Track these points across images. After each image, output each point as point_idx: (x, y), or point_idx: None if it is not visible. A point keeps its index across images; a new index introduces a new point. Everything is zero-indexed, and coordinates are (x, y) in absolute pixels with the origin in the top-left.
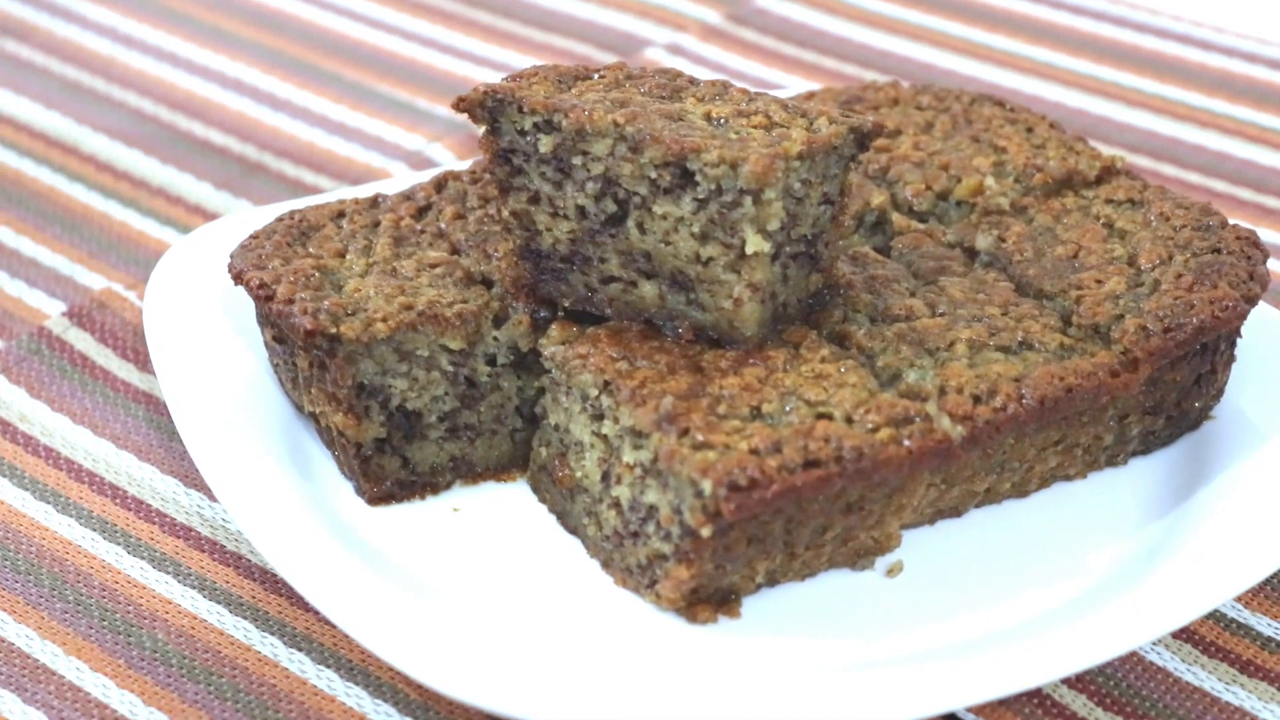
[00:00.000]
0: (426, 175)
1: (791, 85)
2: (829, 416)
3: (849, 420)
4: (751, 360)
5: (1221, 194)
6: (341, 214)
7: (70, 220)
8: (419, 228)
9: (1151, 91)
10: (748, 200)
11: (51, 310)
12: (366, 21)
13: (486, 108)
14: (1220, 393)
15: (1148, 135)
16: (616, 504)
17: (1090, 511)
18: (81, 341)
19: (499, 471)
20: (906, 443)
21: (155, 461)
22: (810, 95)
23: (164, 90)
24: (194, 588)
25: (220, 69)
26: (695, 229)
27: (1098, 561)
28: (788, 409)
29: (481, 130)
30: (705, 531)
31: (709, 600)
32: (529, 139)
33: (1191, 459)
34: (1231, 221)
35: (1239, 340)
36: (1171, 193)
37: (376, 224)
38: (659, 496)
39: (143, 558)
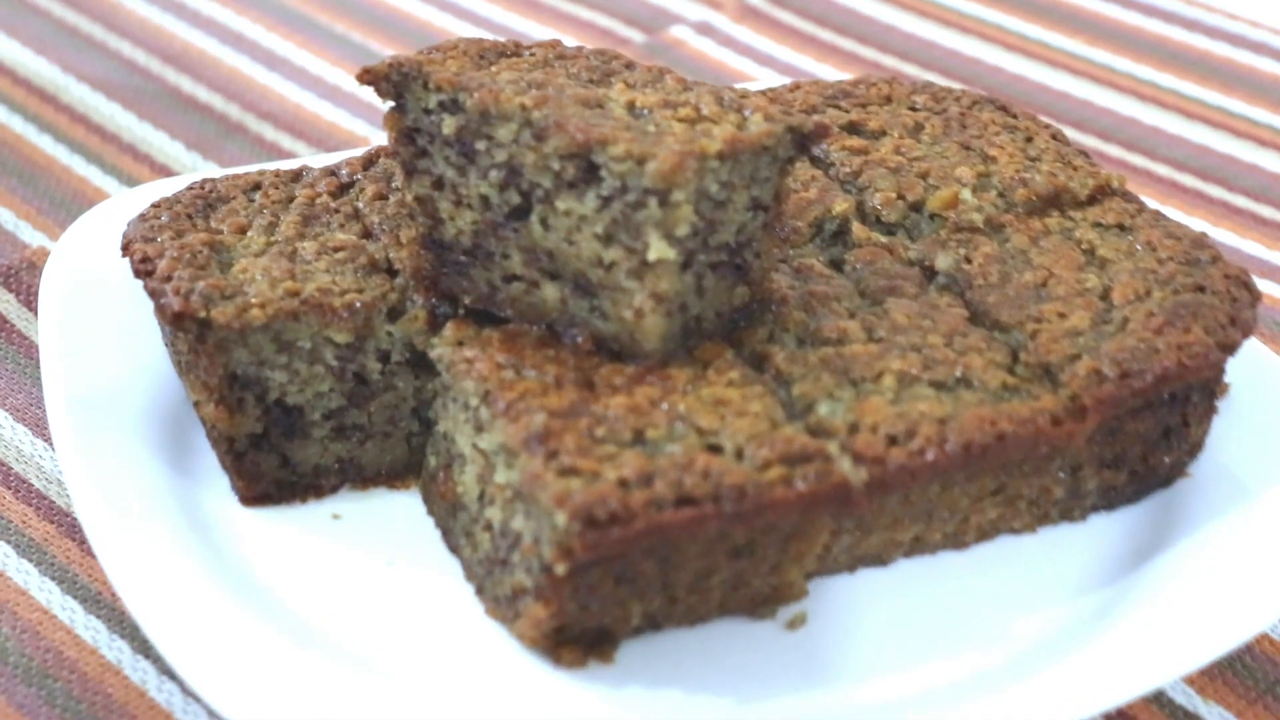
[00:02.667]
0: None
1: (822, 74)
2: (718, 448)
3: (739, 454)
4: (649, 378)
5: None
6: (257, 186)
7: (30, 172)
8: (334, 206)
9: (1214, 103)
10: (653, 201)
11: None
12: None
13: (392, 81)
14: (1197, 447)
15: (1228, 161)
16: (489, 526)
17: (1033, 570)
18: (3, 303)
19: (392, 478)
20: (799, 484)
21: (50, 439)
22: (796, 86)
23: (162, 41)
24: (54, 579)
25: (225, 21)
26: (598, 229)
27: (1028, 627)
28: (675, 436)
29: (387, 106)
30: (560, 568)
31: (577, 641)
32: (433, 118)
33: (1158, 518)
34: (1227, 257)
35: (1231, 387)
36: (1167, 220)
37: (292, 199)
38: (524, 524)
39: (9, 542)
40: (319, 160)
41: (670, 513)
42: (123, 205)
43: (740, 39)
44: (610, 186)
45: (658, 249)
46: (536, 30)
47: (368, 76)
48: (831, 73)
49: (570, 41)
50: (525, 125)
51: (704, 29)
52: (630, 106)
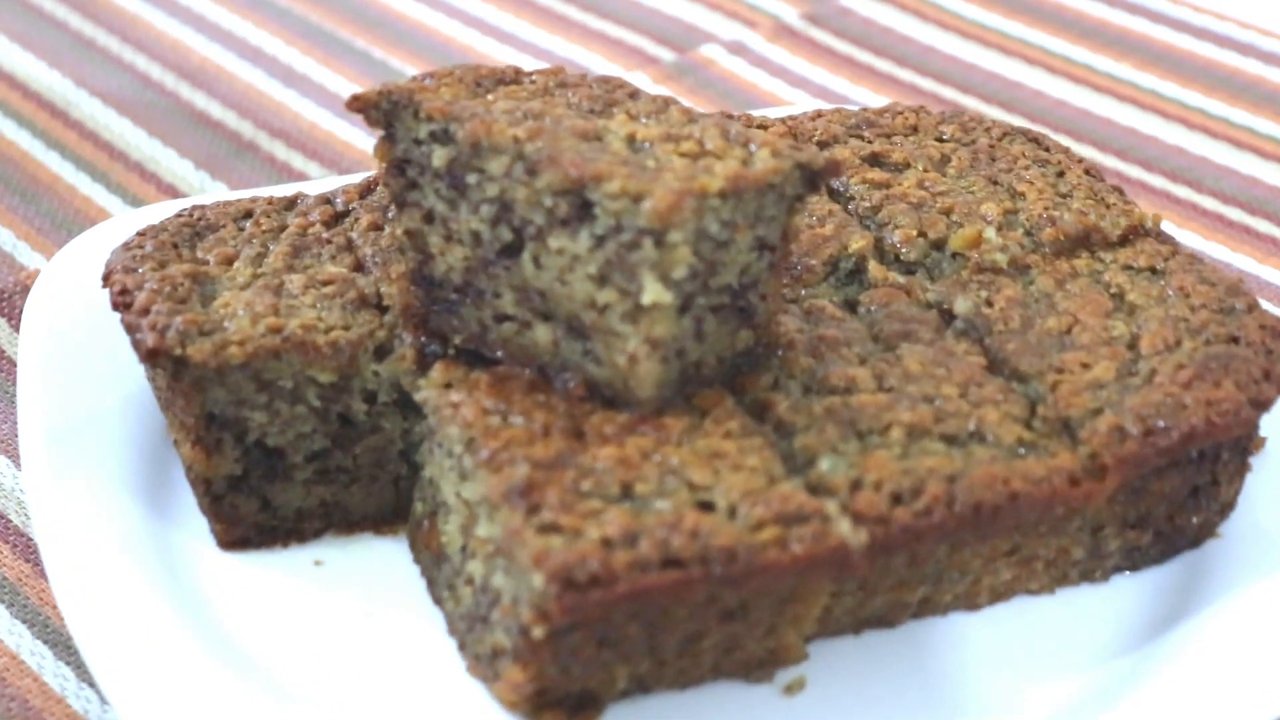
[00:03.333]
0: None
1: (857, 97)
2: (710, 505)
3: (732, 512)
4: (642, 427)
5: None
6: (249, 214)
7: (33, 190)
8: (327, 236)
9: (1265, 132)
10: (648, 241)
11: None
12: None
13: (382, 109)
14: (1228, 507)
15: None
16: (471, 580)
17: (1051, 634)
18: None
19: (378, 523)
20: (793, 546)
21: None
22: (818, 114)
23: (178, 55)
24: (25, 622)
25: (244, 35)
26: (591, 269)
27: (1044, 697)
28: (665, 491)
29: (378, 135)
30: (537, 632)
31: (560, 705)
32: (424, 149)
33: (1186, 580)
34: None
35: (1266, 442)
36: (1202, 264)
37: (284, 228)
38: (504, 581)
39: None
40: (323, 185)
41: (655, 575)
42: (118, 228)
43: (773, 59)
44: (604, 225)
45: (653, 292)
46: (563, 48)
47: (357, 104)
48: (867, 95)
49: (595, 60)
50: (518, 158)
51: (736, 48)
52: (630, 140)
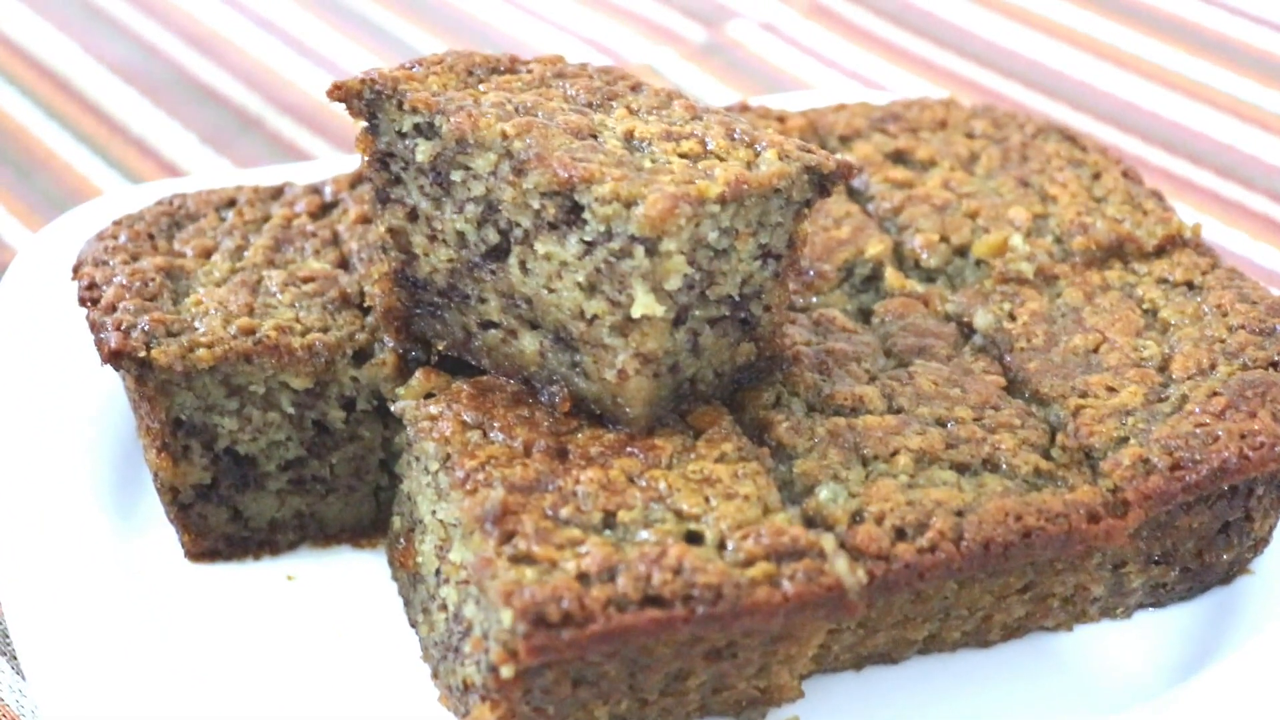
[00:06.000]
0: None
1: (890, 79)
2: (697, 537)
3: (720, 545)
4: (631, 447)
5: None
6: (232, 203)
7: (29, 164)
8: (312, 229)
9: None
10: (639, 250)
11: None
12: None
13: (364, 100)
14: (1262, 543)
15: None
16: (445, 606)
17: (1066, 676)
18: None
19: (357, 535)
20: (785, 585)
21: None
22: (841, 107)
23: (188, 24)
24: None
25: (255, 4)
26: (580, 277)
27: None
28: (650, 520)
29: (360, 126)
30: (506, 671)
31: None
32: (408, 143)
33: (1216, 618)
34: None
35: None
36: (1243, 280)
37: (267, 219)
38: (474, 613)
39: None
40: (320, 169)
41: (633, 614)
42: (102, 210)
43: (806, 38)
44: (594, 230)
45: (644, 304)
46: (585, 21)
47: (338, 93)
48: (903, 77)
49: (622, 35)
50: (505, 156)
51: (768, 25)
52: (628, 137)
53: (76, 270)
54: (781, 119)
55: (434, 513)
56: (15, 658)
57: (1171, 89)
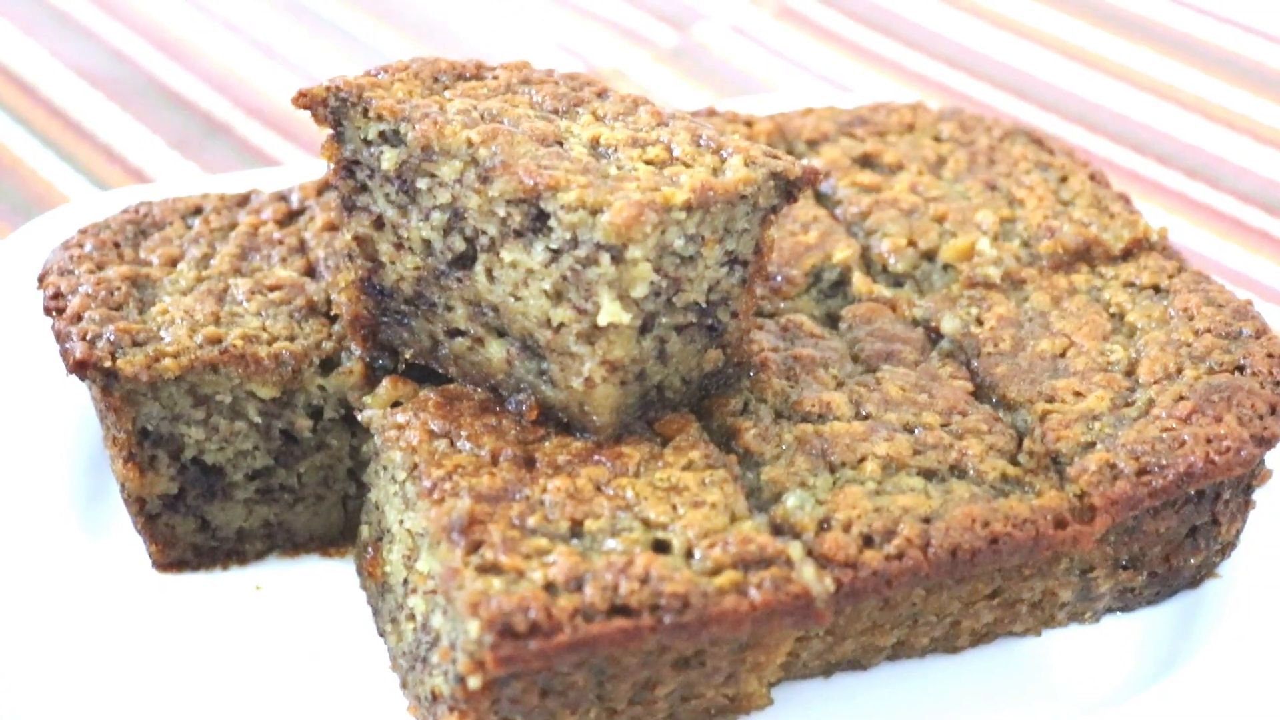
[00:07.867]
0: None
1: (858, 81)
2: (665, 545)
3: (688, 553)
4: (598, 456)
5: None
6: (198, 210)
7: None
8: (278, 237)
9: None
10: (605, 257)
11: None
12: None
13: (330, 107)
14: (1229, 546)
15: None
16: (413, 616)
17: (1034, 680)
18: None
19: (325, 544)
20: (752, 594)
21: None
22: (809, 111)
23: (155, 28)
24: None
25: (223, 9)
26: (546, 285)
27: None
28: (617, 528)
29: (325, 133)
30: (473, 682)
31: None
32: (373, 150)
33: (1183, 623)
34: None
35: (1272, 475)
36: (1209, 283)
37: (234, 226)
38: (442, 623)
39: None
40: (287, 175)
41: (600, 624)
42: (68, 217)
43: (775, 40)
44: (560, 238)
45: (610, 312)
46: (558, 26)
47: (303, 100)
48: (871, 78)
49: (591, 37)
50: (470, 163)
51: (736, 27)
52: (594, 144)
53: (42, 279)
54: (749, 123)
55: (401, 522)
56: None
57: (1139, 90)
